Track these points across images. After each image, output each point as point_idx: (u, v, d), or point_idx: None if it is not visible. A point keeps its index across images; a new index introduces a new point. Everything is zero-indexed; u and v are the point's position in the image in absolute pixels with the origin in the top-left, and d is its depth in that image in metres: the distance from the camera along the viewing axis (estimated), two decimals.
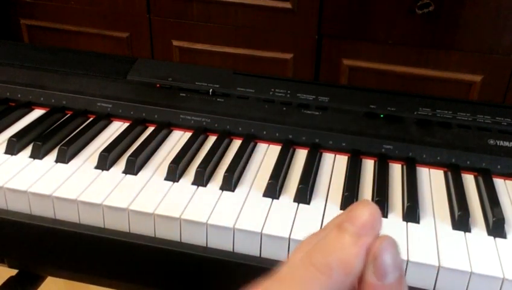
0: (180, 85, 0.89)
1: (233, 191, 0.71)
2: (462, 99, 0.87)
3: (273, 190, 0.70)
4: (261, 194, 0.71)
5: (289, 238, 0.63)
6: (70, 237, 0.69)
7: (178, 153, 0.76)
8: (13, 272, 0.86)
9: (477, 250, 0.63)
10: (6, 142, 0.78)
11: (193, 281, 0.68)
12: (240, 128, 0.84)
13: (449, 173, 0.77)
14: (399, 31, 1.14)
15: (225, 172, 0.72)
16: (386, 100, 0.85)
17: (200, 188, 0.71)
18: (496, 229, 0.66)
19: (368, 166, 0.78)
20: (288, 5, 1.19)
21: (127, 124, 0.85)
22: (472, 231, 0.66)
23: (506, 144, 0.79)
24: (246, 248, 0.65)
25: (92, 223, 0.69)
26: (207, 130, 0.84)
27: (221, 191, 0.71)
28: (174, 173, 0.73)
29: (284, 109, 0.85)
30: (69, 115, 0.87)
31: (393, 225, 0.66)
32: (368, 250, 0.30)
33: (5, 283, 0.84)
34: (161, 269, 0.69)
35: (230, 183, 0.71)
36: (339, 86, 0.90)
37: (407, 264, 0.61)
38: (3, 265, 0.83)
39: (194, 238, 0.66)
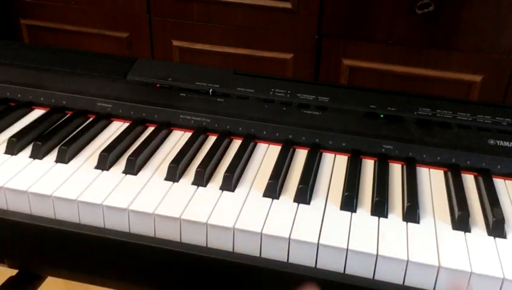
0: (180, 85, 0.89)
1: (233, 191, 0.71)
2: (462, 99, 0.87)
3: (273, 190, 0.70)
4: (261, 194, 0.71)
5: (289, 238, 0.63)
6: (70, 237, 0.69)
7: (178, 153, 0.76)
8: (13, 272, 0.86)
9: (477, 250, 0.63)
10: (6, 142, 0.78)
11: (193, 281, 0.68)
12: (240, 128, 0.84)
13: (449, 173, 0.77)
14: (399, 31, 1.14)
15: (225, 172, 0.72)
16: (386, 100, 0.85)
17: (200, 188, 0.71)
18: (496, 229, 0.66)
19: (368, 166, 0.78)
20: (288, 5, 1.19)
21: (127, 124, 0.85)
22: (472, 231, 0.66)
23: (506, 144, 0.79)
24: (246, 248, 0.65)
25: (92, 223, 0.69)
26: (207, 130, 0.84)
27: (221, 191, 0.71)
28: (174, 173, 0.73)
29: (284, 109, 0.85)
30: (69, 115, 0.87)
31: (393, 225, 0.66)
32: None
33: (5, 283, 0.84)
34: (161, 269, 0.69)
35: (230, 183, 0.71)
36: (339, 86, 0.90)
37: (407, 264, 0.61)
38: (3, 265, 0.83)
39: (194, 238, 0.66)
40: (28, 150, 0.78)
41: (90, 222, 0.69)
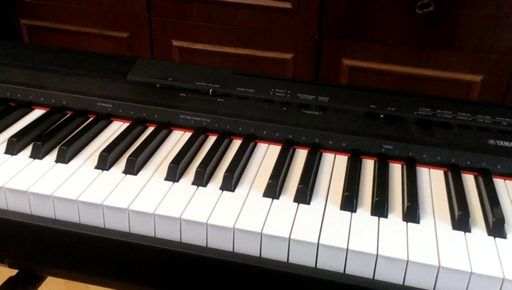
0: (180, 85, 0.89)
1: (233, 191, 0.71)
2: (462, 99, 0.87)
3: (273, 189, 0.70)
4: (261, 194, 0.71)
5: (289, 238, 0.63)
6: (70, 237, 0.69)
7: (178, 153, 0.76)
8: (13, 272, 0.86)
9: (477, 250, 0.63)
10: (6, 142, 0.78)
11: (193, 281, 0.68)
12: (240, 128, 0.84)
13: (449, 173, 0.77)
14: (399, 31, 1.14)
15: (225, 172, 0.72)
16: (386, 100, 0.85)
17: (200, 188, 0.71)
18: (496, 229, 0.66)
19: (368, 166, 0.78)
20: (288, 5, 1.19)
21: (127, 124, 0.85)
22: (472, 231, 0.66)
23: (506, 144, 0.79)
24: (246, 248, 0.65)
25: (92, 223, 0.69)
26: (207, 130, 0.84)
27: (221, 191, 0.71)
28: (174, 173, 0.73)
29: (284, 109, 0.85)
30: (69, 115, 0.87)
31: (393, 225, 0.66)
32: None
33: (5, 283, 0.84)
34: (161, 269, 0.69)
35: (230, 183, 0.71)
36: (339, 86, 0.90)
37: (407, 264, 0.61)
38: (3, 265, 0.83)
39: (194, 238, 0.66)
40: (28, 150, 0.78)
41: (90, 222, 0.69)
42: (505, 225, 0.66)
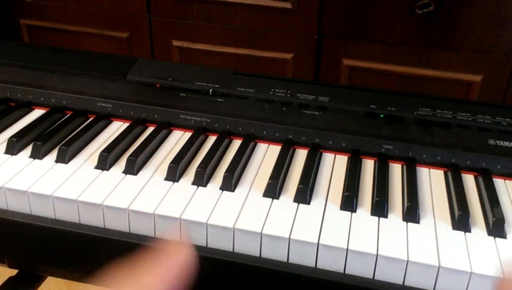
0: (180, 85, 0.89)
1: (233, 191, 0.71)
2: (462, 99, 0.87)
3: (273, 189, 0.70)
4: (261, 194, 0.71)
5: (289, 238, 0.63)
6: (70, 237, 0.69)
7: (178, 153, 0.76)
8: (13, 272, 0.86)
9: (477, 250, 0.63)
10: (6, 142, 0.78)
11: (192, 282, 0.68)
12: (240, 128, 0.84)
13: (449, 173, 0.77)
14: (399, 31, 1.14)
15: (225, 172, 0.72)
16: (386, 100, 0.85)
17: (200, 188, 0.71)
18: (496, 229, 0.66)
19: (368, 166, 0.78)
20: (288, 5, 1.19)
21: (127, 124, 0.85)
22: (472, 231, 0.66)
23: (506, 144, 0.79)
24: (246, 248, 0.65)
25: (92, 223, 0.69)
26: (207, 130, 0.84)
27: (221, 191, 0.71)
28: (174, 173, 0.73)
29: (284, 109, 0.85)
30: (69, 115, 0.87)
31: (393, 225, 0.66)
32: None
33: (4, 283, 0.84)
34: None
35: (230, 183, 0.71)
36: (339, 86, 0.90)
37: (407, 264, 0.61)
38: (3, 265, 0.83)
39: (194, 238, 0.66)
40: (28, 150, 0.78)
41: (90, 222, 0.69)
42: (505, 225, 0.66)
